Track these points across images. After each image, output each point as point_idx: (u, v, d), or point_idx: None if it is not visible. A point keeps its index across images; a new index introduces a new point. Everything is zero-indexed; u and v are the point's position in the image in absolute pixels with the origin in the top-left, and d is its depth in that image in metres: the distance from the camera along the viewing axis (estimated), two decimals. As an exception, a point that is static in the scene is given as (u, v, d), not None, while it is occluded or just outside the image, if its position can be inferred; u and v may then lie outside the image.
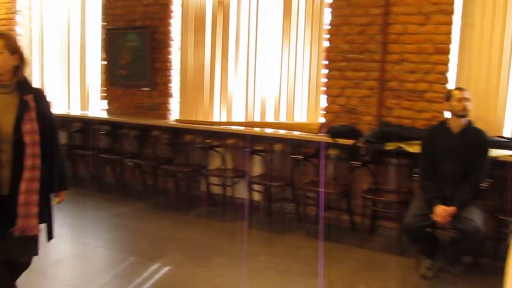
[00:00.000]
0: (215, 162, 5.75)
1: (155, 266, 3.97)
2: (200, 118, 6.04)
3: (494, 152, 4.08)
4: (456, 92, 3.92)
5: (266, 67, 5.60)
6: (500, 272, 3.31)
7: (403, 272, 4.01)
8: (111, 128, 6.57)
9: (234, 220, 5.25)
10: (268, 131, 5.40)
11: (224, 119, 5.91)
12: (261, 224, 5.18)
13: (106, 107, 6.84)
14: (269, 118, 5.59)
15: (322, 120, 5.21)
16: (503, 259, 3.33)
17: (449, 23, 4.54)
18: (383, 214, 4.84)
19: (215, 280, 3.74)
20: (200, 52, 6.00)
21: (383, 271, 4.03)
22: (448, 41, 4.57)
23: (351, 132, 4.81)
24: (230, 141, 5.63)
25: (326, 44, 5.13)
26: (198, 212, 5.53)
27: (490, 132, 4.20)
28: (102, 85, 6.89)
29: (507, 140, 4.33)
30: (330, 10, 5.08)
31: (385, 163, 4.80)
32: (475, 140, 3.87)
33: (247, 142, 5.45)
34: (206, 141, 5.76)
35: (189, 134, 5.95)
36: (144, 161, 6.11)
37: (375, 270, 4.05)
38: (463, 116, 3.86)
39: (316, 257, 4.27)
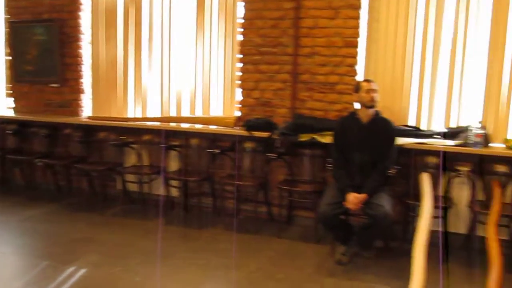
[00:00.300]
0: (130, 159, 5.62)
1: (70, 269, 3.81)
2: (114, 115, 5.87)
3: (401, 141, 4.29)
4: (364, 84, 4.07)
5: (181, 61, 5.53)
6: (408, 254, 3.49)
7: (320, 259, 4.12)
8: (18, 127, 6.23)
9: (151, 217, 5.16)
10: (184, 126, 5.35)
11: (139, 114, 5.78)
12: (179, 220, 5.13)
13: (13, 105, 6.47)
14: (185, 113, 5.53)
15: (238, 113, 5.23)
16: (411, 241, 3.52)
17: (357, 17, 4.70)
18: (299, 204, 4.95)
19: (135, 280, 3.65)
20: (112, 46, 5.83)
21: (301, 259, 4.12)
22: (356, 35, 4.73)
23: (266, 124, 4.87)
24: (145, 137, 5.52)
25: (240, 38, 5.15)
26: (114, 211, 5.39)
27: (396, 122, 4.41)
28: (7, 82, 6.52)
29: (412, 128, 4.57)
30: (243, 4, 5.10)
31: (299, 154, 4.90)
32: (382, 130, 4.05)
33: (163, 137, 5.37)
34: (121, 137, 5.61)
35: (102, 131, 5.77)
36: (56, 160, 5.84)
37: (293, 259, 4.13)
38: (371, 107, 4.02)
39: (235, 250, 4.30)
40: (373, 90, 4.02)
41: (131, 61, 5.75)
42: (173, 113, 5.58)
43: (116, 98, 5.87)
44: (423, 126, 4.64)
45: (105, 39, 5.86)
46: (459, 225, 4.46)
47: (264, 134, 4.82)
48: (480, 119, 4.39)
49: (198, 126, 5.29)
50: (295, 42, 4.90)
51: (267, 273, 3.81)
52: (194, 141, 5.30)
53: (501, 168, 4.29)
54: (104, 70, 5.90)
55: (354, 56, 4.77)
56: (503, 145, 4.33)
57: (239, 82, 5.20)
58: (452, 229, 4.45)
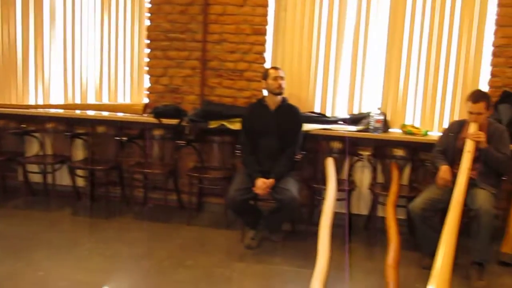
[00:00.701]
0: (32, 149, 5.34)
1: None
2: (13, 102, 5.54)
3: (307, 127, 4.43)
4: (272, 71, 4.15)
5: (86, 46, 5.32)
6: (315, 236, 3.63)
7: (230, 244, 4.17)
8: None
9: (56, 208, 4.96)
10: (90, 113, 5.18)
11: (41, 102, 5.50)
12: (86, 211, 4.98)
13: None
14: (91, 100, 5.35)
15: (146, 100, 5.14)
16: (317, 224, 3.66)
17: (265, 5, 4.76)
18: (209, 191, 4.98)
19: (39, 274, 3.49)
20: (10, 27, 5.47)
21: (211, 245, 4.15)
22: (265, 23, 4.79)
23: (175, 111, 4.83)
24: (48, 125, 5.27)
25: (148, 23, 5.05)
26: (16, 203, 5.12)
27: (303, 108, 4.55)
28: None
29: (317, 115, 4.73)
30: (150, -12, 5.00)
31: (209, 141, 4.91)
32: (289, 116, 4.15)
33: (67, 125, 5.17)
34: (21, 126, 5.32)
35: (1, 119, 5.43)
36: None
37: (203, 245, 4.15)
38: (279, 94, 4.11)
39: (145, 239, 4.25)
40: (281, 77, 4.10)
41: (32, 44, 5.44)
42: (78, 100, 5.37)
43: (16, 84, 5.54)
44: (328, 113, 4.82)
45: (1, 19, 5.49)
46: (361, 206, 4.69)
47: (173, 121, 4.78)
48: (380, 106, 4.63)
49: (105, 114, 5.14)
50: (204, 29, 4.88)
51: (177, 260, 3.80)
52: (100, 129, 5.13)
53: (399, 152, 4.55)
54: (1, 54, 5.55)
55: (262, 43, 4.84)
56: (401, 130, 4.61)
57: (147, 68, 5.11)
58: (355, 210, 4.69)
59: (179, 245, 4.13)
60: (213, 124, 4.65)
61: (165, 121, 4.80)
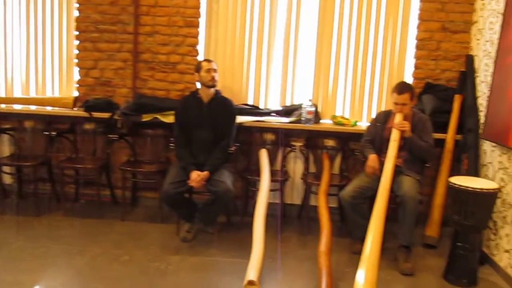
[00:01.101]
0: (-47, 145, 5.08)
1: None
2: None
3: (240, 119, 4.47)
4: (205, 63, 4.14)
5: (11, 37, 5.08)
6: (250, 226, 3.69)
7: (165, 238, 4.15)
8: None
9: (-20, 208, 4.76)
10: (17, 107, 4.97)
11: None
12: (14, 209, 4.79)
13: None
14: (17, 94, 5.13)
15: (76, 93, 5.00)
16: (252, 215, 3.72)
17: (197, -3, 4.76)
18: (143, 185, 4.93)
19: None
20: None
21: (146, 239, 4.11)
22: (197, 15, 4.78)
23: (107, 105, 4.73)
24: (-30, 120, 5.03)
25: (76, 14, 4.90)
26: None
27: (236, 101, 4.58)
28: None
29: (250, 107, 4.78)
30: (77, -22, 4.85)
31: (142, 134, 4.84)
32: (223, 109, 4.17)
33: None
34: None
35: None
36: None
37: (138, 239, 4.11)
38: (212, 86, 4.12)
39: (77, 236, 4.15)
40: (213, 70, 4.11)
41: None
42: (3, 94, 5.14)
43: None
44: (261, 105, 4.88)
45: None
46: (295, 196, 4.80)
47: (105, 115, 4.68)
48: (311, 98, 4.74)
49: (33, 108, 4.95)
50: (135, 20, 4.80)
51: (111, 256, 3.74)
52: (28, 124, 4.93)
53: (330, 142, 4.69)
54: None
55: (195, 36, 4.82)
56: (331, 121, 4.74)
57: (77, 60, 4.97)
58: (288, 200, 4.79)
59: (113, 241, 4.06)
60: (146, 117, 4.59)
61: (96, 114, 4.69)
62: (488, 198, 3.42)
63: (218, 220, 4.29)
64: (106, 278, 3.39)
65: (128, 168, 4.62)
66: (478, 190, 3.38)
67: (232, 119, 4.21)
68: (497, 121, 3.85)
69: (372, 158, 3.94)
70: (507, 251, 3.70)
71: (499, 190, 3.52)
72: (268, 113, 4.73)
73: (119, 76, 4.91)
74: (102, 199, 4.82)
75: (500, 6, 4.00)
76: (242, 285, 3.22)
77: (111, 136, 4.74)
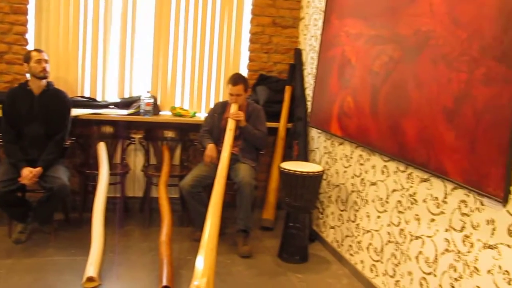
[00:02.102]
0: None
1: None
2: None
3: (76, 112, 4.31)
4: (35, 53, 3.92)
5: None
6: (89, 222, 3.60)
7: (-5, 242, 3.88)
8: None
9: None
10: None
11: None
12: None
13: None
14: None
15: None
16: (91, 210, 3.63)
17: (25, -18, 4.46)
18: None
19: None
20: None
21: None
22: (25, 1, 4.47)
23: None
24: None
25: None
26: None
27: (71, 93, 4.41)
28: None
29: (87, 99, 4.62)
30: None
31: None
32: (56, 101, 3.98)
33: None
34: None
35: None
36: None
37: (-38, 245, 3.78)
38: (43, 78, 3.91)
39: None
40: (45, 60, 3.90)
41: None
42: None
43: None
44: (98, 97, 4.74)
45: None
46: (136, 189, 4.78)
47: None
48: (149, 90, 4.73)
49: None
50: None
51: None
52: None
53: (170, 134, 4.74)
54: None
55: (23, 24, 4.51)
56: (170, 113, 4.79)
57: None
58: (130, 193, 4.74)
59: None
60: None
61: None
62: (314, 180, 3.75)
63: (55, 218, 4.09)
64: None
65: None
66: (305, 173, 3.68)
67: (66, 111, 4.04)
68: (321, 110, 4.22)
69: (210, 148, 4.07)
70: (332, 227, 4.09)
71: (323, 172, 3.86)
72: (105, 106, 4.62)
73: None
74: None
75: (322, 4, 4.37)
76: (81, 284, 3.16)
77: None
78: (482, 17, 2.38)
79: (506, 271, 2.21)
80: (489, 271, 2.31)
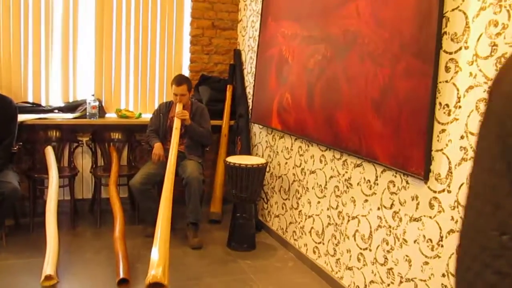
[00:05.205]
0: None
1: None
2: None
3: (22, 117, 4.34)
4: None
5: None
6: (40, 226, 3.68)
7: None
8: None
9: None
10: None
11: None
12: None
13: None
14: None
15: None
16: (41, 215, 3.70)
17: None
18: None
19: None
20: None
21: None
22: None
23: None
24: None
25: None
26: None
27: (15, 99, 4.42)
28: None
29: (31, 105, 4.66)
30: None
31: None
32: (2, 107, 4.01)
33: None
34: None
35: None
36: None
37: None
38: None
39: None
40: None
41: None
42: None
43: None
44: (42, 102, 4.78)
45: None
46: (85, 191, 4.86)
47: None
48: (94, 93, 4.82)
49: None
50: None
51: None
52: None
53: (116, 135, 4.85)
54: None
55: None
56: (116, 115, 4.89)
57: None
58: (79, 195, 4.81)
59: None
60: None
61: None
62: (258, 172, 4.00)
63: (6, 224, 4.13)
64: None
65: None
66: (249, 165, 3.93)
67: (12, 117, 4.08)
68: (261, 106, 4.48)
69: (157, 146, 4.24)
70: (277, 216, 4.35)
71: (266, 164, 4.12)
72: (51, 110, 4.68)
73: None
74: None
75: (259, 7, 4.62)
76: (40, 282, 3.25)
77: None
78: (402, 19, 2.70)
79: (429, 239, 2.54)
80: (415, 241, 2.64)
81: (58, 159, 4.53)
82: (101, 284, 3.36)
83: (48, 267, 3.30)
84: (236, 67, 5.11)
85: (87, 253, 3.88)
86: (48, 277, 3.25)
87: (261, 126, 4.65)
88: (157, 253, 3.23)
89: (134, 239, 4.15)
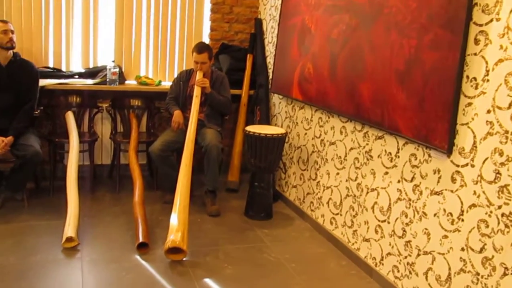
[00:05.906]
0: None
1: None
2: None
3: (43, 82, 4.37)
4: (0, 24, 3.94)
5: None
6: (61, 190, 3.73)
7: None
8: None
9: None
10: None
11: None
12: None
13: None
14: None
15: None
16: (61, 178, 3.75)
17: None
18: None
19: None
20: None
21: None
22: (-17, -28, 4.47)
23: None
24: None
25: None
26: None
27: (37, 63, 4.44)
28: None
29: (52, 70, 4.69)
30: None
31: None
32: (24, 71, 4.04)
33: None
34: None
35: None
36: None
37: None
38: (10, 48, 3.94)
39: None
40: (11, 31, 3.93)
41: None
42: None
43: None
44: (63, 68, 4.80)
45: None
46: (104, 156, 4.91)
47: None
48: (114, 59, 4.82)
49: None
50: None
51: None
52: None
53: (136, 102, 4.86)
54: None
55: (-17, -5, 4.51)
56: (136, 82, 4.90)
57: None
58: (98, 161, 4.87)
59: None
60: None
61: None
62: (277, 142, 4.00)
63: (26, 187, 4.18)
64: None
65: None
66: (269, 135, 3.93)
67: (35, 81, 4.11)
68: (282, 76, 4.45)
69: (177, 114, 4.25)
70: (294, 186, 4.37)
71: (286, 134, 4.12)
72: (71, 76, 4.70)
73: None
74: None
75: (281, -25, 4.55)
76: (61, 244, 3.32)
77: None
78: (430, -12, 2.64)
79: (450, 213, 2.53)
80: (435, 214, 2.64)
81: (78, 125, 4.57)
82: (120, 247, 3.41)
83: (70, 229, 3.37)
84: (257, 36, 5.06)
85: (106, 217, 3.94)
86: (69, 239, 3.32)
87: (281, 97, 4.63)
88: (177, 219, 3.27)
89: (153, 205, 4.20)
